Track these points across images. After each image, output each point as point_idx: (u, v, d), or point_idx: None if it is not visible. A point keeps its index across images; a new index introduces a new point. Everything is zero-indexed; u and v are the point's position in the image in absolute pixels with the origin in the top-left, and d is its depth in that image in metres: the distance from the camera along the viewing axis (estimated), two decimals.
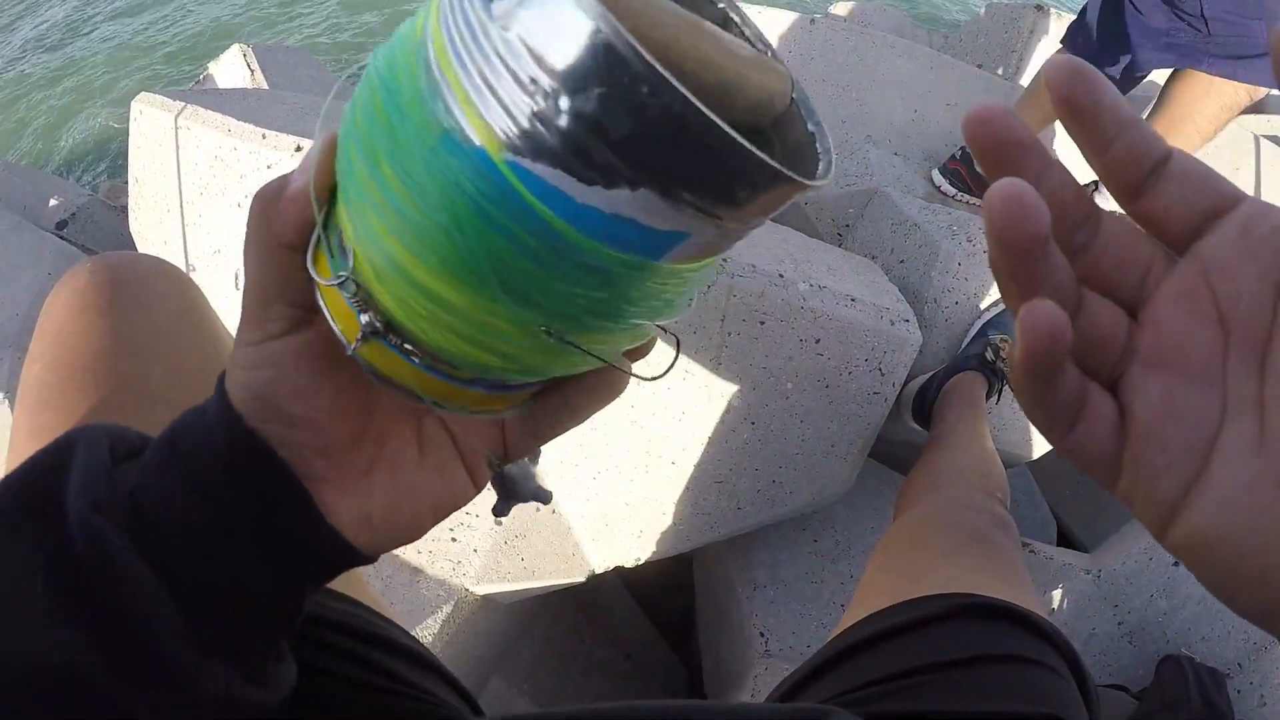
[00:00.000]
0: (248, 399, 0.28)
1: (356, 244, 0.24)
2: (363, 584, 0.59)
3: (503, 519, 0.39)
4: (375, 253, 0.23)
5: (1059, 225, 0.24)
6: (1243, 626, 1.22)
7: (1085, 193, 0.25)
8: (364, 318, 0.25)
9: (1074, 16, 1.72)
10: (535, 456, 0.39)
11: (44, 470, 0.30)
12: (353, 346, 0.26)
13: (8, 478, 0.30)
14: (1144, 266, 0.25)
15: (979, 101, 0.24)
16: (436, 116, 0.21)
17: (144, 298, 0.55)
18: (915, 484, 0.94)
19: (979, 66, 2.33)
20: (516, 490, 0.38)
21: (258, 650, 0.31)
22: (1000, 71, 2.46)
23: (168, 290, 0.57)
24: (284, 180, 0.27)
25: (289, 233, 0.27)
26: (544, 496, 0.39)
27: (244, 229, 0.28)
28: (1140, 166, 0.24)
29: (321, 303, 0.27)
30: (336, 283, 0.25)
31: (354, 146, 0.23)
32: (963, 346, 1.30)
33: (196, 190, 1.34)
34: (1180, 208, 0.24)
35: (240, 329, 0.29)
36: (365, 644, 0.49)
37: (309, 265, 0.27)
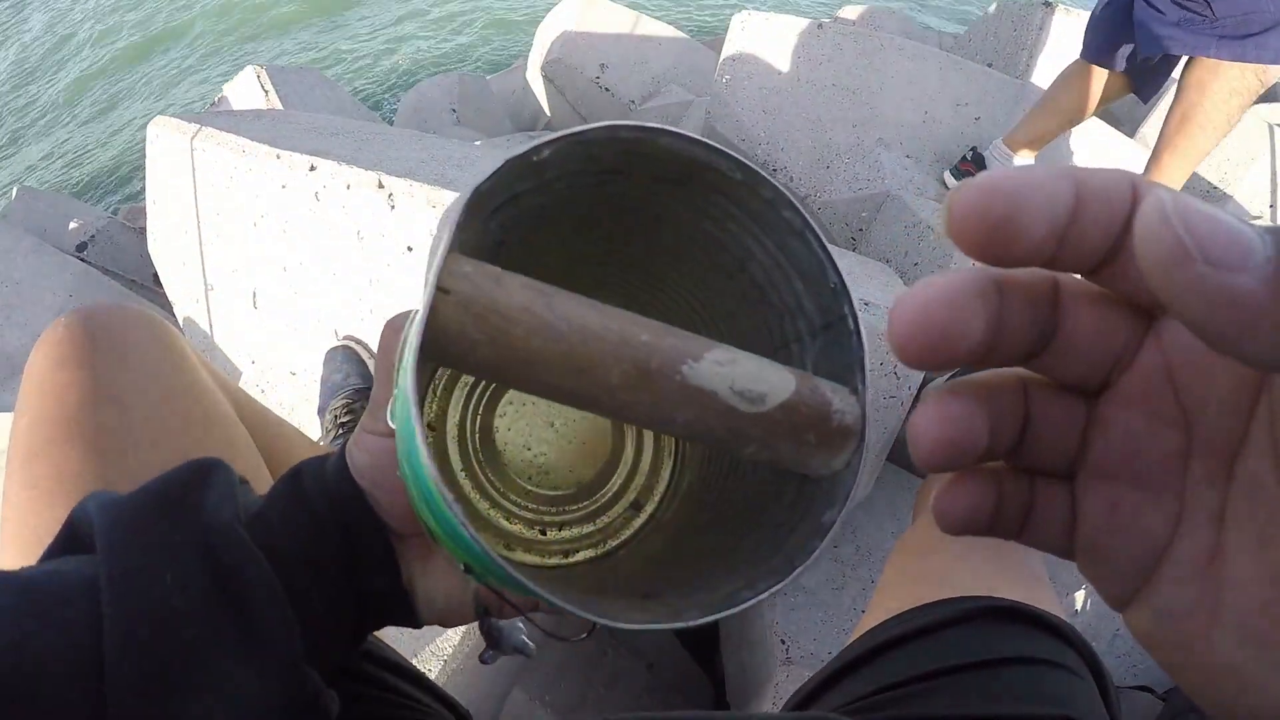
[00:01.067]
0: (356, 470, 0.36)
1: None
2: None
3: (487, 664, 0.45)
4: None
5: (1009, 351, 0.20)
6: None
7: (1043, 299, 0.20)
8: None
9: (1085, 13, 1.72)
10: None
11: (184, 483, 0.35)
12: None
13: (149, 485, 0.35)
14: (1112, 355, 0.21)
15: (904, 306, 0.18)
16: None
17: (120, 347, 0.57)
18: (931, 487, 0.93)
19: (989, 65, 2.32)
20: (502, 641, 0.43)
21: (328, 665, 0.36)
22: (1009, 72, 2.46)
23: (144, 338, 0.59)
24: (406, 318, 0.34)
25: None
26: (528, 651, 0.44)
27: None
28: (1095, 255, 0.18)
29: None
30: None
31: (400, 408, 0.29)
32: None
33: (213, 210, 1.36)
34: (1145, 286, 0.18)
35: (365, 414, 0.36)
36: (363, 660, 0.51)
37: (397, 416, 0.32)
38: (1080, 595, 1.28)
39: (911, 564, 0.74)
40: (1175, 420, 0.20)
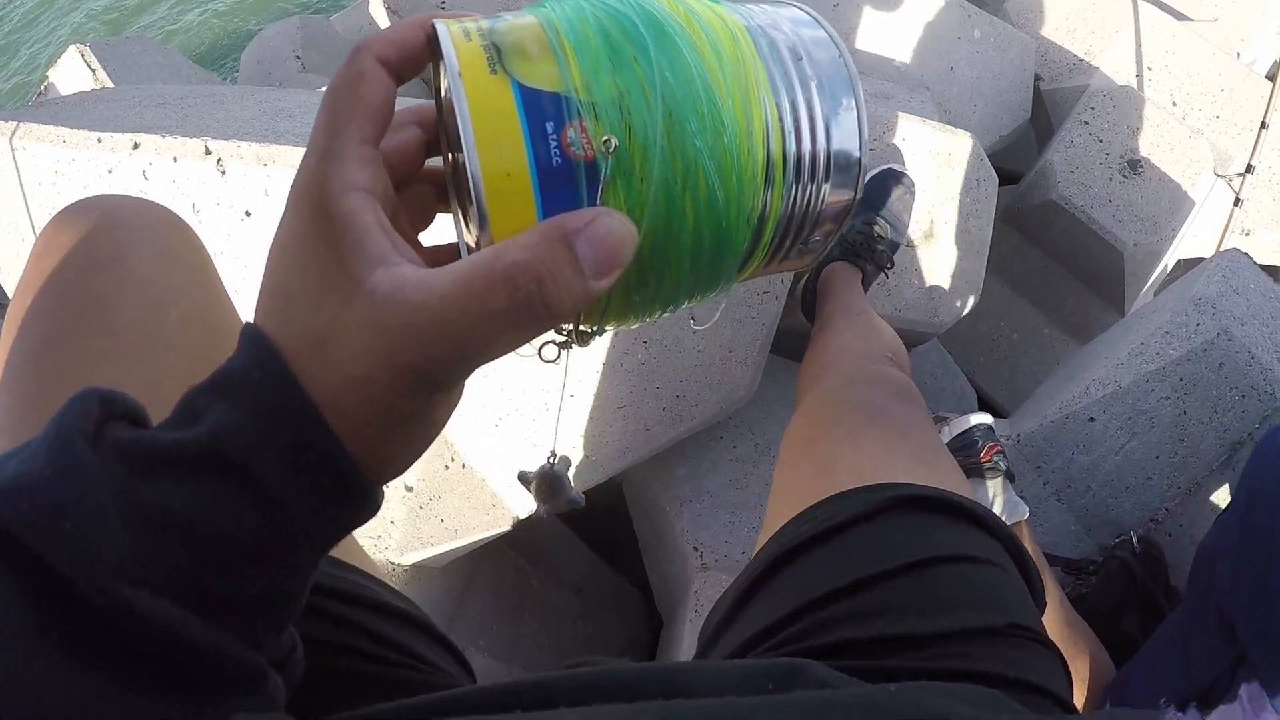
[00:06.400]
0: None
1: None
2: (349, 540, 0.56)
3: (544, 515, 0.46)
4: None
5: None
6: (1165, 473, 1.20)
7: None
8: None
9: None
10: (567, 463, 0.45)
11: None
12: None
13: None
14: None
15: None
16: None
17: (155, 244, 0.52)
18: (805, 377, 0.92)
19: None
20: (559, 493, 0.43)
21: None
22: None
23: (175, 239, 0.54)
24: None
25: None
26: (579, 501, 0.44)
27: None
28: None
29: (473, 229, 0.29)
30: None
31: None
32: None
33: (45, 212, 1.27)
34: None
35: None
36: (358, 608, 0.47)
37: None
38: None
39: (799, 460, 0.68)
40: None
